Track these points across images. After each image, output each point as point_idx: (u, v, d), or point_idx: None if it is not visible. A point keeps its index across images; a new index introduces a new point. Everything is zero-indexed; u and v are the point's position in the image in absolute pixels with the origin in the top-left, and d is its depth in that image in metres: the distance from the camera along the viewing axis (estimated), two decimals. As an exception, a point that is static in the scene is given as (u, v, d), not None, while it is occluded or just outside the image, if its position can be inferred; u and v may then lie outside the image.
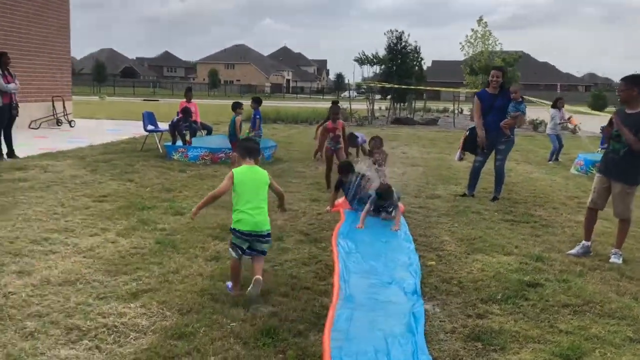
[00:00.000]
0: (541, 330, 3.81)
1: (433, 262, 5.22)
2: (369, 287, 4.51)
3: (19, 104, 10.45)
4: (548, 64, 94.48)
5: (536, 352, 3.48)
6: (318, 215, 6.88)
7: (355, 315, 3.89)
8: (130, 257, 4.94)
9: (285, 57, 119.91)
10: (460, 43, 32.36)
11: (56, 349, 3.26)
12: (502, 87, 8.13)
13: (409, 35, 28.04)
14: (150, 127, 12.69)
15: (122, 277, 4.44)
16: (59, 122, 17.06)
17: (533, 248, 5.77)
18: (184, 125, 11.81)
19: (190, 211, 6.15)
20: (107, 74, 79.57)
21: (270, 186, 4.41)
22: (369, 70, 34.59)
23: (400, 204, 6.82)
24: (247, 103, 12.04)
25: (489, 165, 8.35)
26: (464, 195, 8.42)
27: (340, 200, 7.38)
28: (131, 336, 3.48)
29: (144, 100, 44.87)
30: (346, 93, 52.36)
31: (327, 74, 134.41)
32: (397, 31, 28.27)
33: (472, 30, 32.06)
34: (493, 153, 8.23)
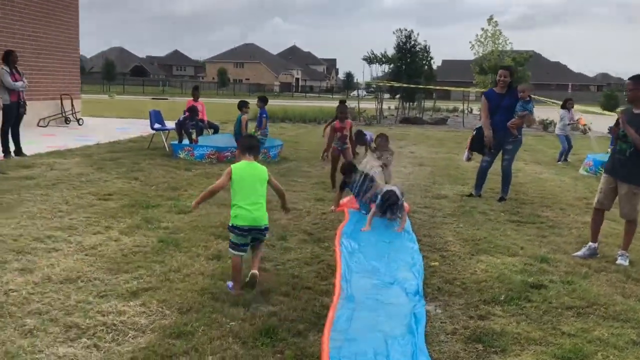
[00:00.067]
0: (543, 332, 3.76)
1: (436, 263, 5.18)
2: (370, 288, 4.48)
3: (27, 102, 10.51)
4: (560, 64, 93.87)
5: (537, 355, 3.43)
6: (322, 214, 6.86)
7: (355, 316, 3.86)
8: (133, 256, 4.94)
9: (295, 56, 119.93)
10: (470, 42, 32.21)
11: (54, 347, 3.26)
12: (509, 86, 8.08)
13: (418, 34, 27.93)
14: (157, 125, 12.71)
15: (123, 276, 4.44)
16: (67, 120, 17.15)
17: (538, 249, 5.71)
18: (191, 124, 11.81)
19: (194, 210, 6.20)
20: (116, 73, 79.95)
21: (270, 183, 4.40)
22: (378, 70, 34.34)
23: (405, 204, 6.78)
24: (254, 102, 12.02)
25: (497, 165, 8.29)
26: (470, 195, 8.36)
27: (345, 200, 7.35)
28: (130, 335, 3.48)
29: (153, 98, 45.03)
30: (355, 92, 52.29)
31: (337, 73, 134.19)
32: (406, 30, 28.20)
33: (483, 29, 31.90)
34: (500, 153, 8.17)
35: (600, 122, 18.97)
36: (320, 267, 4.93)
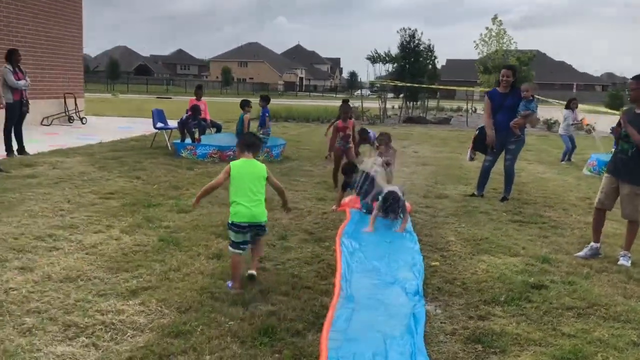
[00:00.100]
0: (543, 333, 3.75)
1: (437, 263, 5.16)
2: (370, 287, 4.47)
3: (30, 101, 10.53)
4: (564, 63, 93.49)
5: (537, 355, 3.42)
6: (323, 214, 6.85)
7: (354, 316, 3.85)
8: (133, 255, 4.94)
9: (299, 55, 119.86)
10: (475, 42, 32.19)
11: (53, 346, 3.26)
12: (513, 86, 8.05)
13: (422, 33, 27.89)
14: (159, 124, 12.73)
15: (123, 275, 4.44)
16: (70, 119, 17.18)
17: (540, 249, 5.69)
18: (193, 123, 11.82)
19: (195, 209, 6.21)
20: (120, 72, 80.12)
21: (269, 180, 4.41)
22: (381, 69, 34.30)
23: (407, 204, 6.76)
24: (257, 101, 12.01)
25: (500, 165, 8.26)
26: (472, 195, 8.34)
27: (347, 199, 7.34)
28: (128, 334, 3.47)
29: (157, 97, 45.11)
30: (359, 92, 52.27)
31: (341, 72, 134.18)
32: (409, 29, 28.18)
33: (487, 28, 31.85)
34: (503, 153, 8.15)
35: (604, 122, 18.89)
36: (321, 266, 4.92)
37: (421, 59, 28.55)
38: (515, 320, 3.93)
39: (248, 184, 4.26)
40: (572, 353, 3.42)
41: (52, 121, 16.42)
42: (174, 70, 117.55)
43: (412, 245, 5.63)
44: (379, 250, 5.44)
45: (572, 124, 13.45)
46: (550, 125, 24.01)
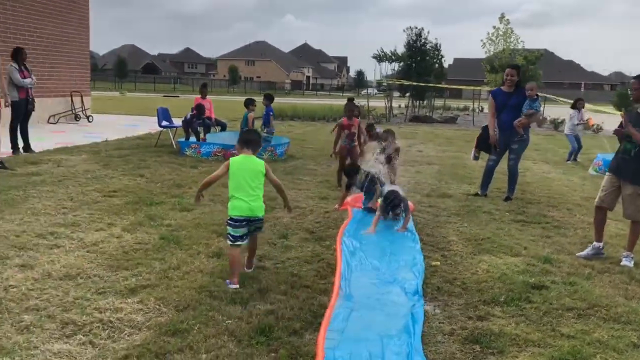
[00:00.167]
0: (542, 333, 3.72)
1: (437, 262, 5.14)
2: (369, 287, 4.45)
3: (37, 99, 10.59)
4: (573, 62, 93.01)
5: (535, 356, 3.40)
6: (325, 213, 6.84)
7: (353, 315, 3.84)
8: (133, 253, 4.95)
9: (306, 54, 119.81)
10: (482, 40, 31.98)
11: (50, 343, 3.27)
12: (517, 85, 8.01)
13: (428, 32, 27.86)
14: (164, 123, 12.75)
15: (122, 273, 4.45)
16: (77, 117, 17.26)
17: (542, 249, 5.66)
18: (197, 122, 11.84)
19: (197, 208, 6.23)
20: (128, 70, 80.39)
21: (267, 176, 4.47)
22: (388, 68, 34.22)
23: (410, 203, 6.72)
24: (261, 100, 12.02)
25: (504, 164, 8.22)
26: (476, 194, 8.31)
27: (349, 198, 7.32)
28: (125, 332, 3.48)
29: (165, 96, 45.21)
30: (365, 90, 52.15)
31: (348, 71, 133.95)
32: (416, 28, 28.09)
33: (494, 27, 31.66)
34: (507, 152, 8.11)
35: (612, 121, 18.77)
36: (320, 265, 4.91)
37: (428, 57, 28.48)
38: (515, 321, 3.91)
39: (247, 180, 4.34)
40: (570, 354, 3.40)
41: (58, 119, 16.50)
42: (182, 69, 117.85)
43: (413, 244, 5.61)
44: (380, 250, 5.42)
45: (577, 124, 13.38)
46: (556, 124, 23.89)
